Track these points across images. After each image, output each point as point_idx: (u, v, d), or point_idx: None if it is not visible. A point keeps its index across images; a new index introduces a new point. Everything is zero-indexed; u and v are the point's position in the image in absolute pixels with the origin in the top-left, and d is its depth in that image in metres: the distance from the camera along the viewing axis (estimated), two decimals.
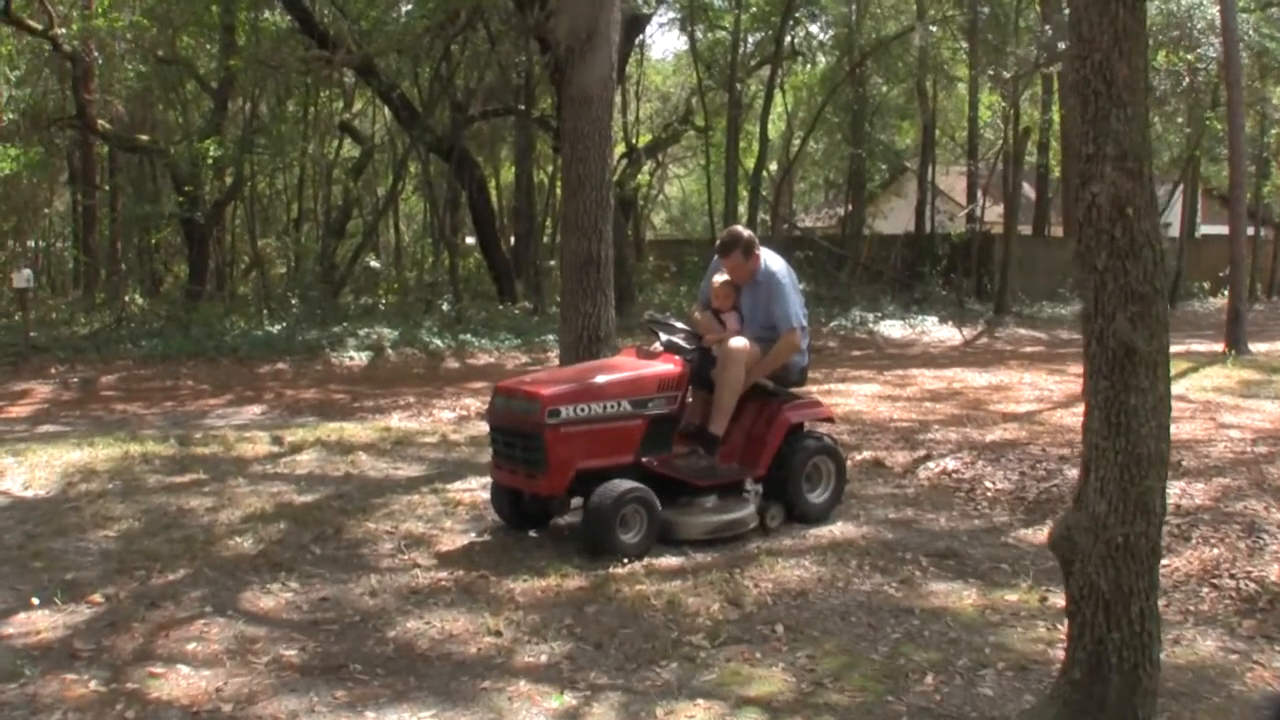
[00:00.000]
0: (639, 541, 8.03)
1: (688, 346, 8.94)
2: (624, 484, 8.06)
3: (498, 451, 8.65)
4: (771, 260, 9.26)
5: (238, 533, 8.54)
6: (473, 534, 8.70)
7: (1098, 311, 4.73)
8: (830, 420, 10.02)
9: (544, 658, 6.19)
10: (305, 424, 14.03)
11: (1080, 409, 13.52)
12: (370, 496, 9.65)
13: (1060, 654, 6.10)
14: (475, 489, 9.88)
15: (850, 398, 15.24)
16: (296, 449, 11.83)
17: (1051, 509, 9.28)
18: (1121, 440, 4.72)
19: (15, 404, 17.24)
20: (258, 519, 8.90)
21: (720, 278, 9.34)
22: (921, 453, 11.33)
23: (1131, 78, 4.63)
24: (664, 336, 9.09)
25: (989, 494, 9.92)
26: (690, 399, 8.99)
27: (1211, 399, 14.73)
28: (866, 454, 11.34)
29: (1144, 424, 4.71)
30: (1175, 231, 40.86)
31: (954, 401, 15.31)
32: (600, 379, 8.54)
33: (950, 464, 10.83)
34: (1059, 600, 6.97)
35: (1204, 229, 43.47)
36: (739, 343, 8.86)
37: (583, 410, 8.19)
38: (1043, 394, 15.87)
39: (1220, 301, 41.08)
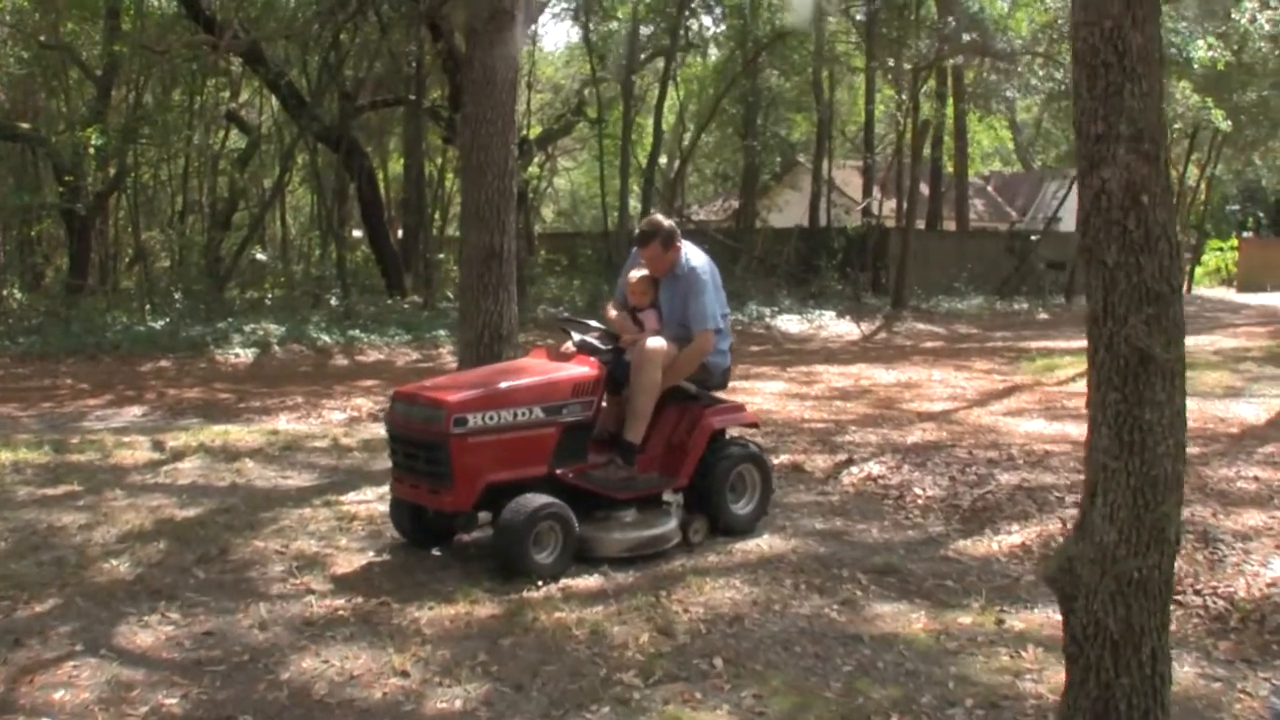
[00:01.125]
0: (555, 561, 7.33)
1: (602, 347, 8.23)
2: (537, 499, 7.35)
3: (397, 464, 7.89)
4: (693, 255, 8.57)
5: (113, 554, 7.71)
6: (371, 553, 7.90)
7: (1107, 314, 4.11)
8: (755, 426, 9.44)
9: (458, 703, 5.44)
10: (189, 426, 13.26)
11: (998, 408, 13.25)
12: (258, 510, 8.87)
13: (1030, 686, 5.61)
14: (371, 500, 9.16)
15: (757, 396, 14.78)
16: (179, 456, 11.09)
17: (989, 518, 8.76)
18: (1134, 460, 4.11)
19: None
20: (135, 537, 8.08)
21: (638, 273, 8.63)
22: (842, 456, 10.78)
23: (1146, 48, 4.03)
24: (577, 336, 8.37)
25: (919, 501, 9.36)
26: (605, 404, 8.27)
27: None
28: (784, 458, 10.78)
29: (1160, 442, 4.10)
30: (1071, 227, 40.91)
31: (865, 400, 14.87)
32: (509, 384, 7.81)
33: (875, 469, 10.27)
34: (1017, 623, 6.48)
35: None
36: (655, 343, 8.11)
37: (491, 418, 7.45)
38: (955, 391, 15.50)
39: None
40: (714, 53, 40.73)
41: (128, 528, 8.34)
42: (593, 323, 8.78)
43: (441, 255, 32.04)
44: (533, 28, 33.24)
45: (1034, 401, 14.27)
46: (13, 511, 8.76)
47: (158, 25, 27.35)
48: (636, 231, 8.78)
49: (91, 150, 25.57)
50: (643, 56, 36.50)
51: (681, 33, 34.59)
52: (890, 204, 38.35)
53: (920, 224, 39.24)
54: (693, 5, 34.37)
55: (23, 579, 7.15)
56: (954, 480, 9.73)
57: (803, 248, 37.24)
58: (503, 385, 7.77)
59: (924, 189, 40.92)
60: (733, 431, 9.00)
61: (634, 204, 34.35)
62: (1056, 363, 18.56)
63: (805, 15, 31.51)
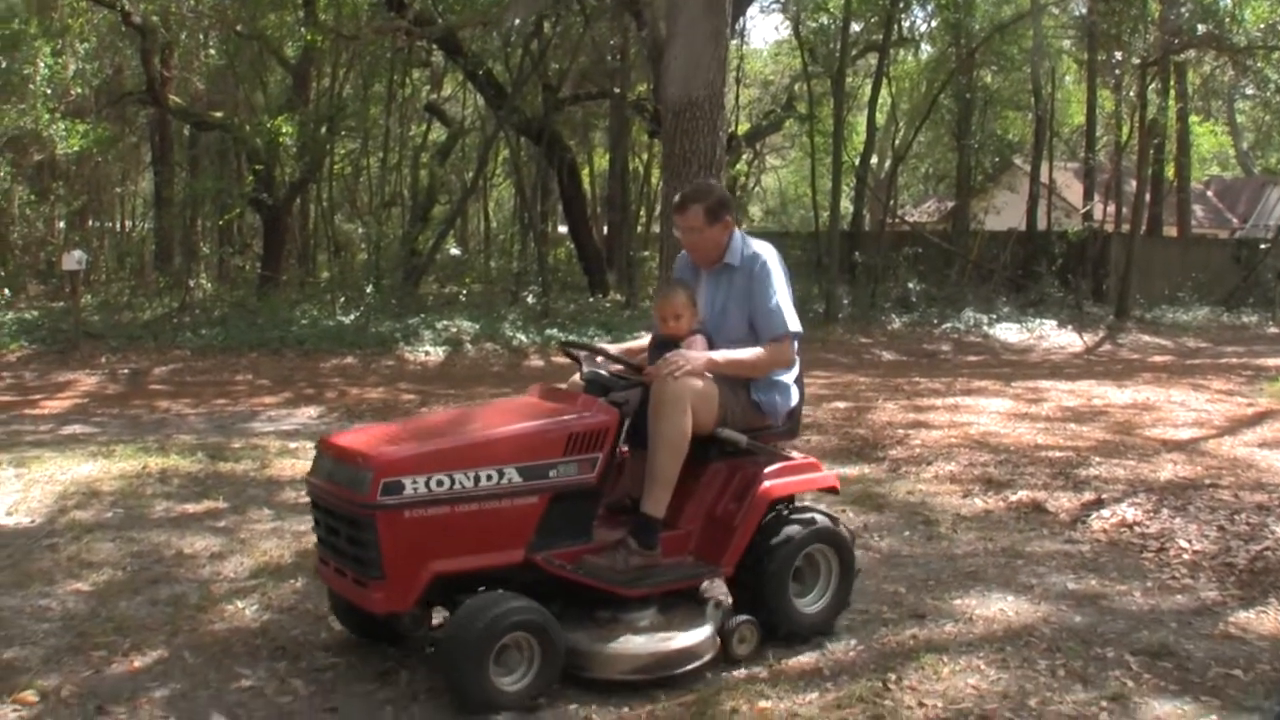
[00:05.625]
0: (527, 687, 5.32)
1: (618, 384, 6.05)
2: (500, 601, 5.32)
3: (321, 539, 5.84)
4: (757, 244, 6.36)
5: (241, 593, 6.72)
6: None
7: None
8: (833, 490, 6.71)
9: None
10: None
11: (1251, 437, 11.56)
12: None
13: None
14: None
15: (981, 415, 13.46)
16: None
17: (1271, 582, 7.31)
18: None
19: (54, 396, 15.84)
20: (270, 573, 7.12)
21: (672, 291, 6.40)
22: (1089, 495, 9.38)
23: None
24: (585, 367, 6.26)
25: (1185, 557, 7.91)
26: (630, 461, 6.27)
27: None
28: (1022, 494, 9.49)
29: None
30: None
31: (1100, 424, 13.37)
32: (471, 434, 5.69)
33: (1128, 512, 8.85)
34: None
35: None
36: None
37: (441, 483, 5.31)
38: (1199, 416, 13.90)
39: None
40: (926, 49, 39.45)
41: (264, 560, 7.42)
42: (611, 348, 6.59)
43: (646, 252, 31.22)
44: (741, 21, 32.16)
45: None
46: (143, 532, 7.93)
47: (352, 13, 27.04)
48: (675, 197, 6.53)
49: (281, 140, 25.31)
50: (854, 52, 35.18)
51: (894, 27, 33.32)
52: (1110, 208, 36.53)
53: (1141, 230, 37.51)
54: None
55: (129, 622, 6.21)
56: (1223, 531, 8.31)
57: (1020, 253, 35.61)
58: (461, 436, 5.67)
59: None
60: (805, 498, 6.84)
61: (845, 204, 33.02)
62: None
63: None
